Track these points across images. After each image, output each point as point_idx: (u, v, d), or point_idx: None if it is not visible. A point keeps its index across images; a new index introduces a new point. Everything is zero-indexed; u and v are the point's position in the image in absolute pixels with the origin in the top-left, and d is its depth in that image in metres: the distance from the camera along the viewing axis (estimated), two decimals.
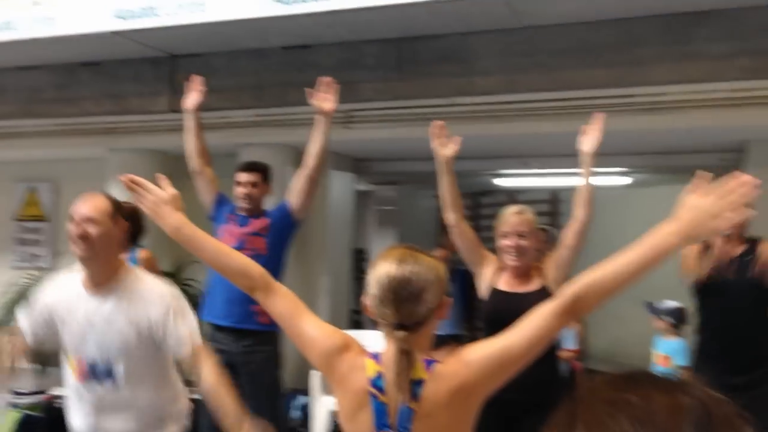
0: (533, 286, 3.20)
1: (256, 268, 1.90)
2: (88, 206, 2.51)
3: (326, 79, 3.60)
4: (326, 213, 5.95)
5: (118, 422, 2.55)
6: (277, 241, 4.00)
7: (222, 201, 4.16)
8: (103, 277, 2.51)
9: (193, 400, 2.82)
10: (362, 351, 1.81)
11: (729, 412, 0.82)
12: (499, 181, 7.55)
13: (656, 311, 4.99)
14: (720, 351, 3.68)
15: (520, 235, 3.19)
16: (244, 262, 1.92)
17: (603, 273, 1.73)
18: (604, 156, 6.03)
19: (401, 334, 1.70)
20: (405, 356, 1.69)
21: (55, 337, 2.58)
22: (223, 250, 1.96)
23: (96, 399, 2.53)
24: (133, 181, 2.03)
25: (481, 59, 4.73)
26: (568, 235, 3.21)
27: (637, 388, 0.83)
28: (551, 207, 8.75)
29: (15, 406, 5.65)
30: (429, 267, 1.75)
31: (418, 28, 4.69)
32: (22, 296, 6.01)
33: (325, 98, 3.64)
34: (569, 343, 5.04)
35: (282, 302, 1.88)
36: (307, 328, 1.84)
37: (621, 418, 0.79)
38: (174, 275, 4.25)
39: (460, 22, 4.56)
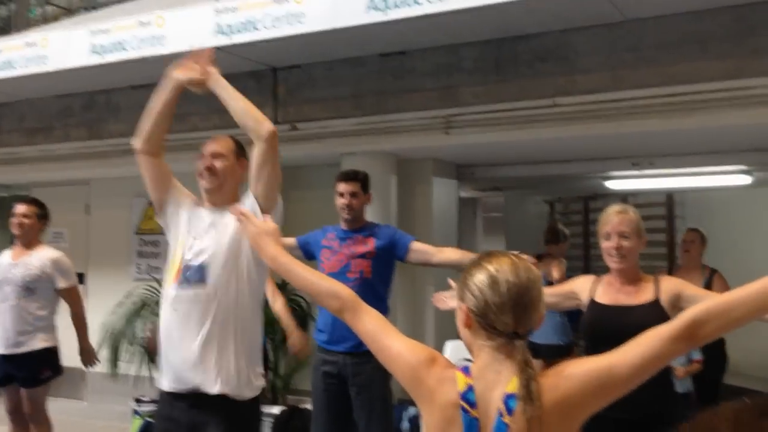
0: (642, 298, 2.98)
1: (345, 290, 1.93)
2: (216, 143, 2.86)
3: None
4: (431, 221, 5.91)
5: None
6: (383, 265, 3.92)
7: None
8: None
9: None
10: (450, 364, 1.75)
11: None
12: (610, 184, 7.27)
13: None
14: None
15: (623, 236, 3.01)
16: (333, 284, 1.97)
17: (728, 300, 1.62)
18: (721, 154, 5.77)
19: (521, 342, 1.64)
20: (527, 366, 1.62)
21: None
22: (315, 275, 2.03)
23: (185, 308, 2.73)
24: (241, 213, 2.24)
25: (582, 56, 4.56)
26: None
27: None
28: (667, 210, 8.35)
29: (137, 413, 5.92)
30: (539, 276, 1.70)
31: (515, 28, 4.59)
32: (142, 308, 6.30)
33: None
34: (694, 354, 4.74)
35: (369, 321, 1.88)
36: (393, 343, 1.81)
37: None
38: (282, 288, 4.31)
39: (558, 18, 4.42)
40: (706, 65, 4.33)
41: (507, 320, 1.64)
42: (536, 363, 1.73)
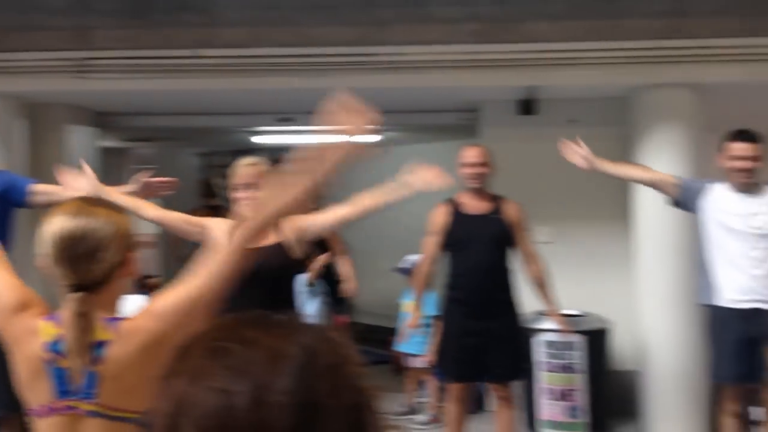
0: (270, 240, 3.16)
1: None
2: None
3: None
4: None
5: None
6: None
7: None
8: None
9: None
10: (41, 312, 1.66)
11: (342, 359, 0.81)
12: (257, 139, 7.45)
13: (404, 271, 5.23)
14: (466, 299, 3.92)
15: (255, 188, 3.13)
16: None
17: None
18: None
19: (77, 295, 1.58)
20: (81, 318, 1.57)
21: None
22: None
23: None
24: None
25: (223, 10, 4.58)
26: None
27: (246, 334, 0.80)
28: None
29: None
30: (107, 221, 1.63)
31: None
32: None
33: None
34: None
35: None
36: None
37: (217, 369, 0.76)
38: None
39: None
40: (338, 30, 4.63)
41: (62, 271, 1.59)
42: None
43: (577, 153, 3.83)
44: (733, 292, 3.64)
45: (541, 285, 4.02)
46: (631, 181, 4.30)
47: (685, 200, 3.80)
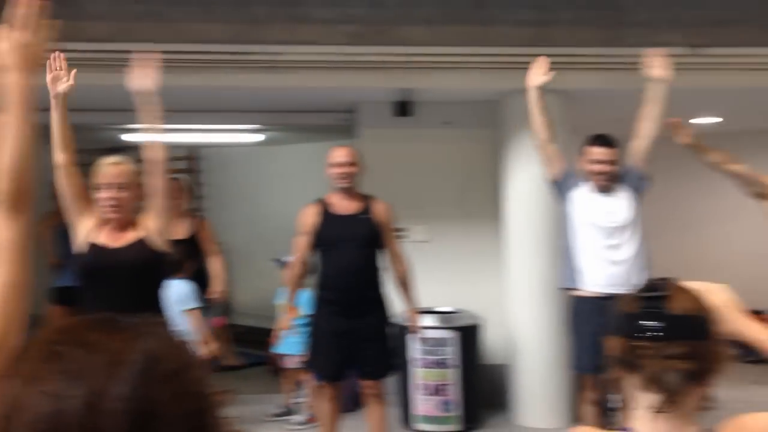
0: (130, 238, 3.09)
1: None
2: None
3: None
4: None
5: None
6: None
7: None
8: None
9: None
10: None
11: (185, 364, 0.80)
12: (129, 137, 7.18)
13: (283, 264, 5.19)
14: (336, 299, 3.93)
15: (119, 187, 3.04)
16: None
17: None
18: (236, 113, 6.15)
19: None
20: None
21: None
22: None
23: None
24: None
25: (93, 3, 4.40)
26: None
27: (88, 337, 0.78)
28: (190, 164, 8.62)
29: None
30: None
31: None
32: None
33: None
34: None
35: None
36: None
37: (52, 372, 0.74)
38: None
39: None
40: (212, 27, 4.54)
41: None
42: None
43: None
44: (595, 280, 3.87)
45: (404, 285, 4.10)
46: None
47: (561, 186, 4.00)
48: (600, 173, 3.89)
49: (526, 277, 5.00)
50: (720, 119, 6.58)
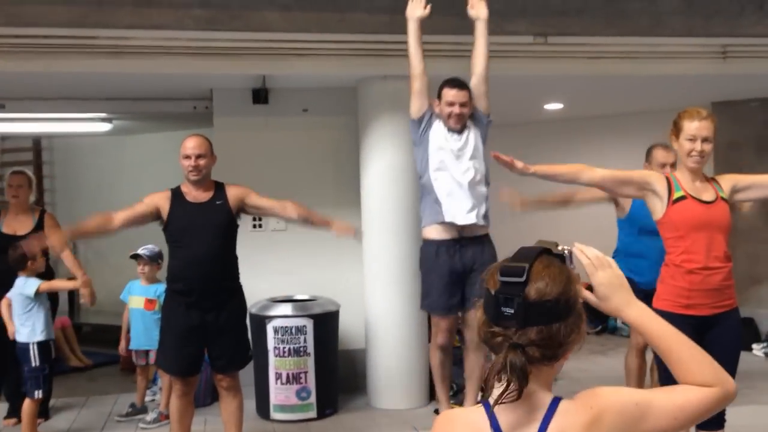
0: None
1: None
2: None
3: None
4: None
5: None
6: None
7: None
8: None
9: None
10: None
11: None
12: None
13: (137, 257, 5.00)
14: (189, 290, 3.79)
15: None
16: None
17: None
18: (82, 100, 5.82)
19: None
20: None
21: None
22: None
23: None
24: None
25: None
26: None
27: None
28: (35, 156, 8.11)
29: None
30: None
31: None
32: None
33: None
34: None
35: None
36: None
37: None
38: None
39: None
40: (55, 10, 4.27)
41: None
42: None
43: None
44: (452, 211, 4.05)
45: (304, 215, 3.99)
46: None
47: (420, 124, 4.15)
48: (454, 114, 4.05)
49: (382, 262, 5.07)
50: (563, 105, 6.94)
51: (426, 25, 4.11)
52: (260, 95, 5.39)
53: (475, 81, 4.14)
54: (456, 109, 4.06)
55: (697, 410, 1.33)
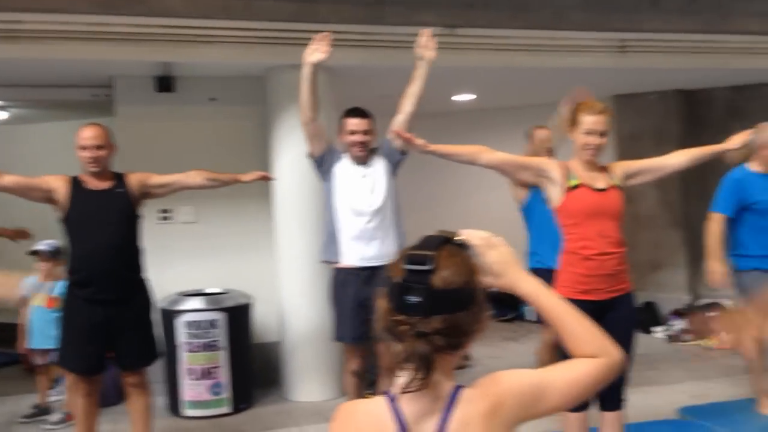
0: None
1: None
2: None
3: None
4: None
5: None
6: None
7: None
8: None
9: None
10: None
11: None
12: None
13: (38, 252, 4.76)
14: (90, 283, 3.63)
15: None
16: None
17: None
18: None
19: None
20: None
21: None
22: None
23: None
24: None
25: None
26: None
27: None
28: None
29: None
30: None
31: None
32: None
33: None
34: None
35: None
36: None
37: None
38: None
39: None
40: None
41: None
42: None
43: None
44: (353, 256, 3.97)
45: (211, 176, 3.89)
46: None
47: (322, 162, 4.05)
48: (356, 143, 4.00)
49: (294, 253, 5.02)
50: (474, 96, 7.03)
51: (334, 15, 4.07)
52: (165, 83, 5.22)
53: (400, 119, 3.97)
54: (358, 137, 3.98)
55: (587, 382, 1.37)
